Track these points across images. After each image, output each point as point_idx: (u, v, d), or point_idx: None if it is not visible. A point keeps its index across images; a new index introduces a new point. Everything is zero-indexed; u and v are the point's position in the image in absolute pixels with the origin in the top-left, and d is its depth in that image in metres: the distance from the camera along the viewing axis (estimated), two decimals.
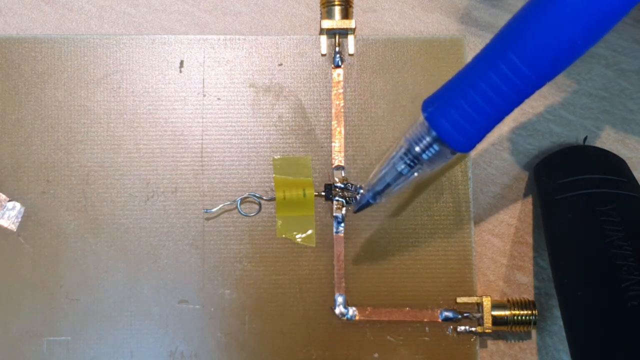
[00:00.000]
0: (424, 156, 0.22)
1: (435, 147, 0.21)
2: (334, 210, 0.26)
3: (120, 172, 0.26)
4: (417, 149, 0.22)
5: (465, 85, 0.20)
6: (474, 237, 0.27)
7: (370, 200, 0.24)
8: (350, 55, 0.27)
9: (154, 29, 0.28)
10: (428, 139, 0.21)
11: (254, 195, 0.26)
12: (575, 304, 0.23)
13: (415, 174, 0.22)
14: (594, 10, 0.18)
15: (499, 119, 0.20)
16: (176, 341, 0.26)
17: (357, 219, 0.26)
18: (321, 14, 0.27)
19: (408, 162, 0.22)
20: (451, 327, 0.26)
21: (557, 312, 0.27)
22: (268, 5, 0.29)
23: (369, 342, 0.26)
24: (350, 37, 0.27)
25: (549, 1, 0.19)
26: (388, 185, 0.23)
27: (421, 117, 0.21)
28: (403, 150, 0.22)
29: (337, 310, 0.26)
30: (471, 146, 0.21)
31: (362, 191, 0.25)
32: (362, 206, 0.24)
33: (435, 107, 0.21)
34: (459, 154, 0.22)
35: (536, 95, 0.28)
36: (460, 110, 0.20)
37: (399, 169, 0.22)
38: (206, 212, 0.26)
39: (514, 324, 0.25)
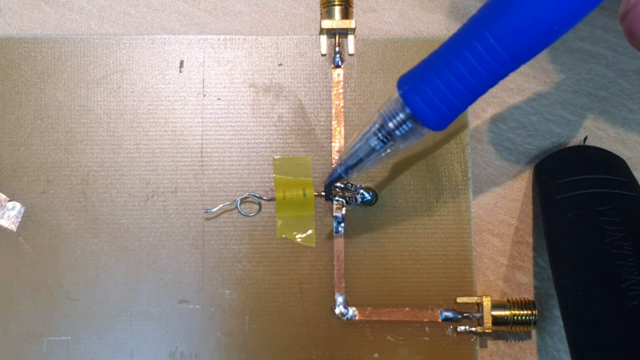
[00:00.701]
0: (397, 132, 0.22)
1: (409, 124, 0.22)
2: (334, 210, 0.26)
3: (120, 172, 0.26)
4: (391, 125, 0.22)
5: (441, 63, 0.20)
6: (474, 237, 0.26)
7: (342, 174, 0.24)
8: (350, 55, 0.27)
9: (154, 29, 0.28)
10: (402, 115, 0.21)
11: (254, 195, 0.26)
12: (575, 304, 0.23)
13: (389, 150, 0.22)
14: None
15: (472, 99, 0.21)
16: (176, 341, 0.26)
17: (357, 219, 0.26)
18: (321, 14, 0.27)
19: (381, 137, 0.22)
20: (451, 327, 0.26)
21: (557, 312, 0.27)
22: (268, 5, 0.29)
23: (369, 342, 0.26)
24: (350, 37, 0.27)
25: None
26: (360, 160, 0.23)
27: (396, 94, 0.21)
28: (377, 125, 0.22)
29: (337, 310, 0.26)
30: (444, 125, 0.21)
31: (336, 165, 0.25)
32: (333, 179, 0.25)
33: (410, 85, 0.21)
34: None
35: (536, 95, 0.28)
36: (435, 88, 0.20)
37: (372, 145, 0.22)
38: (206, 212, 0.26)
39: (514, 324, 0.25)
